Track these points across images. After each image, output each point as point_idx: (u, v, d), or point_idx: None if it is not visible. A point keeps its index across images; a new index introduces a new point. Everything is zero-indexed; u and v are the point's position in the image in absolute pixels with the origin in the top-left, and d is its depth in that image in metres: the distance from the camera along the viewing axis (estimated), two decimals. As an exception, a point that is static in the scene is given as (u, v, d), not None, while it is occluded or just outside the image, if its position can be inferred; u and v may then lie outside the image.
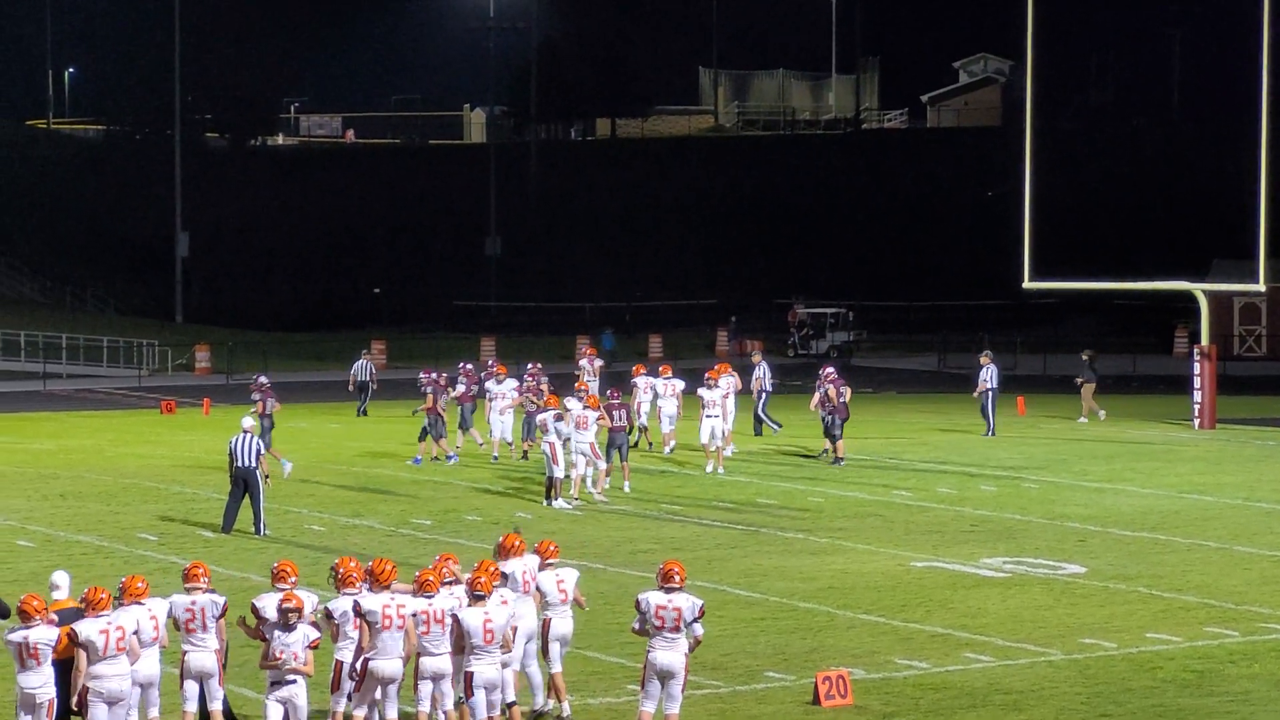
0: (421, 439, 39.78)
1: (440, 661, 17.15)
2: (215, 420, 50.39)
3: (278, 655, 16.68)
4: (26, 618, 16.25)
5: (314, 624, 17.21)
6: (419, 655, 17.18)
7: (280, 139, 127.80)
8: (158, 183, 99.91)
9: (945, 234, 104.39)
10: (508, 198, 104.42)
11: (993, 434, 44.83)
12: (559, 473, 33.17)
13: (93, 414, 54.69)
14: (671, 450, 40.79)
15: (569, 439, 33.68)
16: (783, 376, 60.92)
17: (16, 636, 16.24)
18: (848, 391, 39.60)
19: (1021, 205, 49.52)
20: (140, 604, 16.84)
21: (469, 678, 17.12)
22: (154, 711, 17.09)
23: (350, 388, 52.60)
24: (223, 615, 17.40)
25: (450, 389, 40.34)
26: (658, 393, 41.50)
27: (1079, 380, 49.32)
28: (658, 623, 17.20)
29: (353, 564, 17.56)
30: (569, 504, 33.11)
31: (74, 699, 16.46)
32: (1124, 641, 22.21)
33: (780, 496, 34.60)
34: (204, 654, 17.32)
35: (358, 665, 17.10)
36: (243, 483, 30.11)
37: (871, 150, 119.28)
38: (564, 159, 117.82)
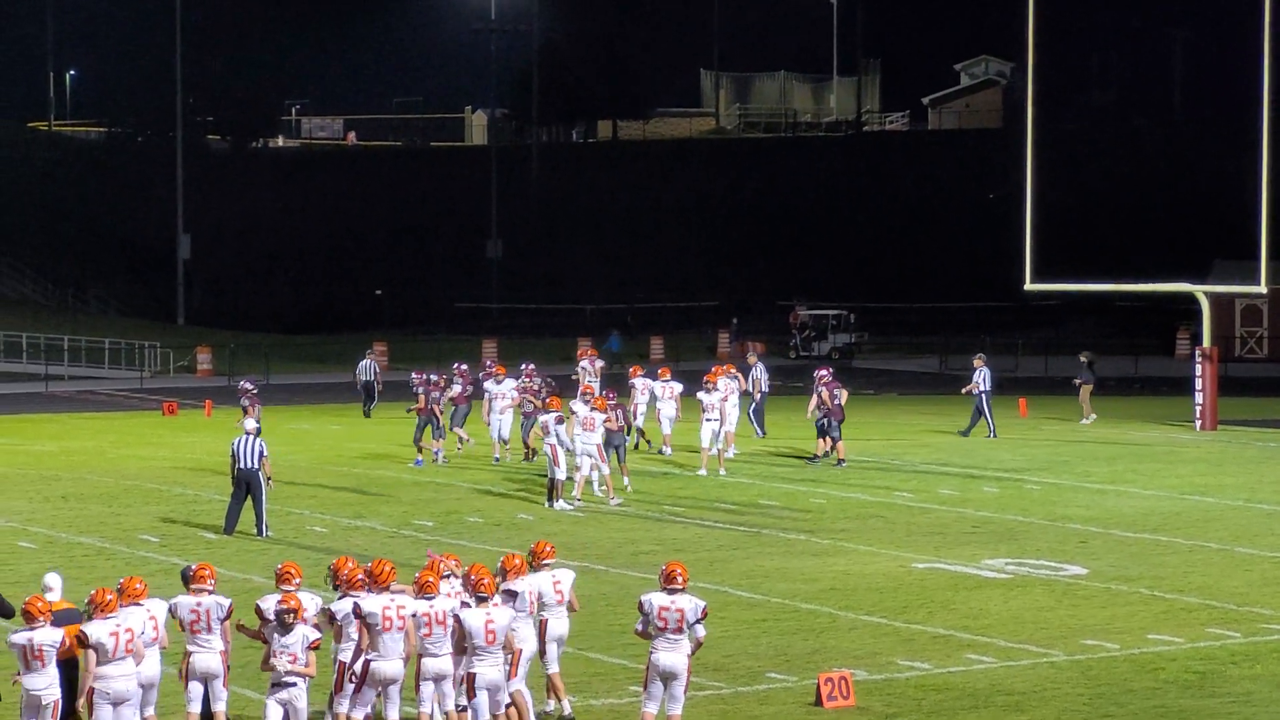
0: (417, 440, 39.79)
1: (442, 663, 17.17)
2: (217, 422, 50.38)
3: (275, 657, 16.72)
4: (31, 619, 16.27)
5: (315, 626, 17.24)
6: (420, 656, 17.19)
7: (281, 141, 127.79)
8: (159, 184, 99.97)
9: (946, 236, 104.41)
10: (509, 200, 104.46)
11: (965, 434, 44.86)
12: (561, 474, 33.17)
13: (94, 416, 54.70)
14: (670, 452, 40.77)
15: (575, 440, 33.68)
16: (784, 378, 61.03)
17: (21, 638, 16.25)
18: (843, 394, 39.57)
19: (1023, 207, 49.52)
20: (139, 605, 16.86)
21: (470, 679, 17.13)
22: (150, 711, 17.10)
23: (358, 388, 52.70)
24: (228, 617, 17.43)
25: (446, 390, 40.32)
26: (656, 395, 41.49)
27: (1077, 381, 49.33)
28: (660, 624, 17.22)
29: (351, 565, 17.60)
30: (570, 505, 33.11)
31: (80, 700, 16.47)
32: (1126, 643, 22.22)
33: (782, 498, 34.61)
34: (209, 655, 17.35)
35: (357, 667, 17.12)
36: (245, 484, 30.11)
37: (873, 152, 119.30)
38: (565, 161, 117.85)
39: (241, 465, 30.13)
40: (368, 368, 52.59)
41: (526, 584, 18.24)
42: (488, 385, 41.29)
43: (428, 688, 17.21)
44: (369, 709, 17.23)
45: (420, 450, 39.71)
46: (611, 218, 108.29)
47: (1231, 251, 61.89)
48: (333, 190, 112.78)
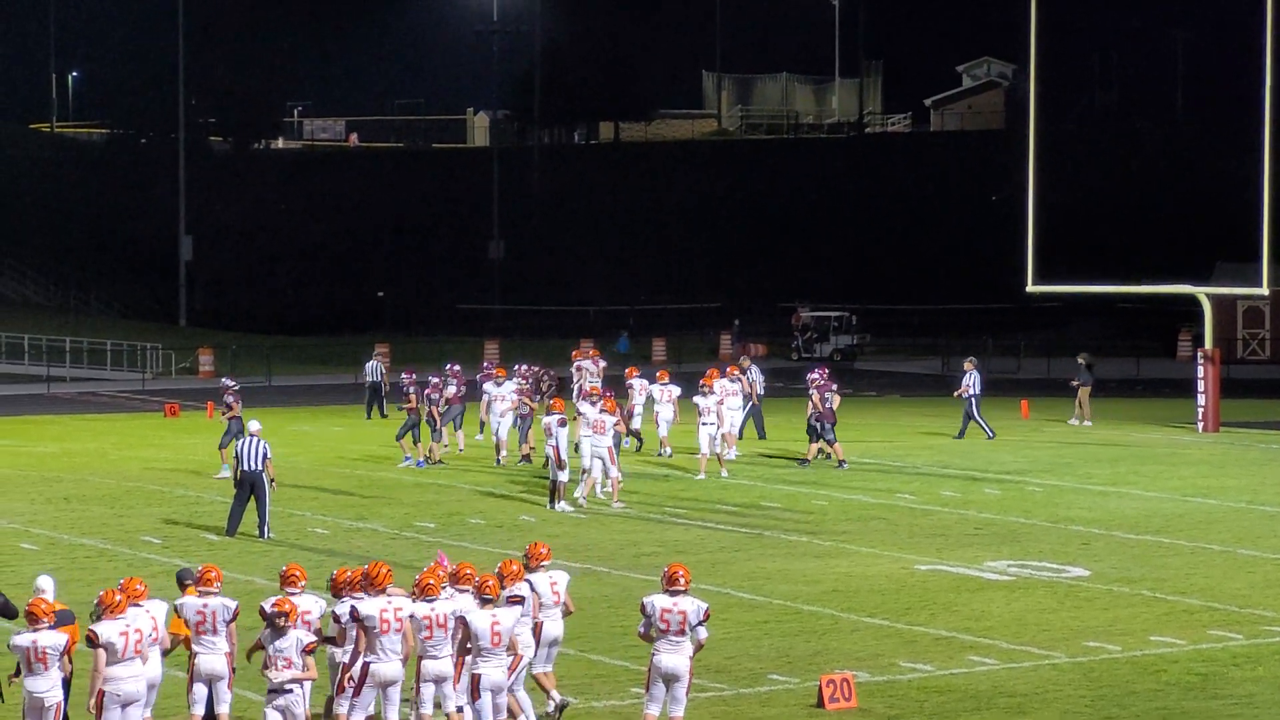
0: (415, 441, 39.82)
1: (442, 665, 17.17)
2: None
3: (270, 664, 16.74)
4: (34, 620, 16.26)
5: (318, 631, 17.26)
6: (421, 658, 17.20)
7: (284, 143, 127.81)
8: (161, 186, 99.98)
9: (949, 238, 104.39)
10: (511, 201, 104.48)
11: (960, 436, 44.81)
12: (563, 477, 33.16)
13: (96, 417, 54.71)
14: (669, 453, 40.75)
15: (586, 442, 33.68)
16: (786, 380, 61.03)
17: (24, 640, 16.23)
18: (836, 398, 39.47)
19: (1025, 209, 49.52)
20: (138, 605, 16.86)
21: (475, 680, 17.14)
22: (147, 712, 17.10)
23: (366, 390, 52.78)
24: (234, 619, 17.42)
25: (443, 392, 40.32)
26: (654, 397, 41.45)
27: (1075, 383, 49.32)
28: (663, 626, 17.22)
29: (350, 574, 17.64)
30: (572, 507, 33.11)
31: (91, 701, 16.45)
32: (1128, 644, 22.22)
33: (784, 500, 34.61)
34: (214, 657, 17.35)
35: (355, 670, 17.12)
36: (249, 486, 30.12)
37: (875, 154, 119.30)
38: (567, 163, 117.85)
39: (245, 467, 30.14)
40: (374, 369, 52.70)
41: (533, 583, 18.26)
42: (487, 387, 41.31)
43: (428, 689, 17.22)
44: (369, 711, 17.23)
45: (403, 448, 39.75)
46: (613, 219, 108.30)
47: (1233, 253, 61.93)
48: (335, 192, 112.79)
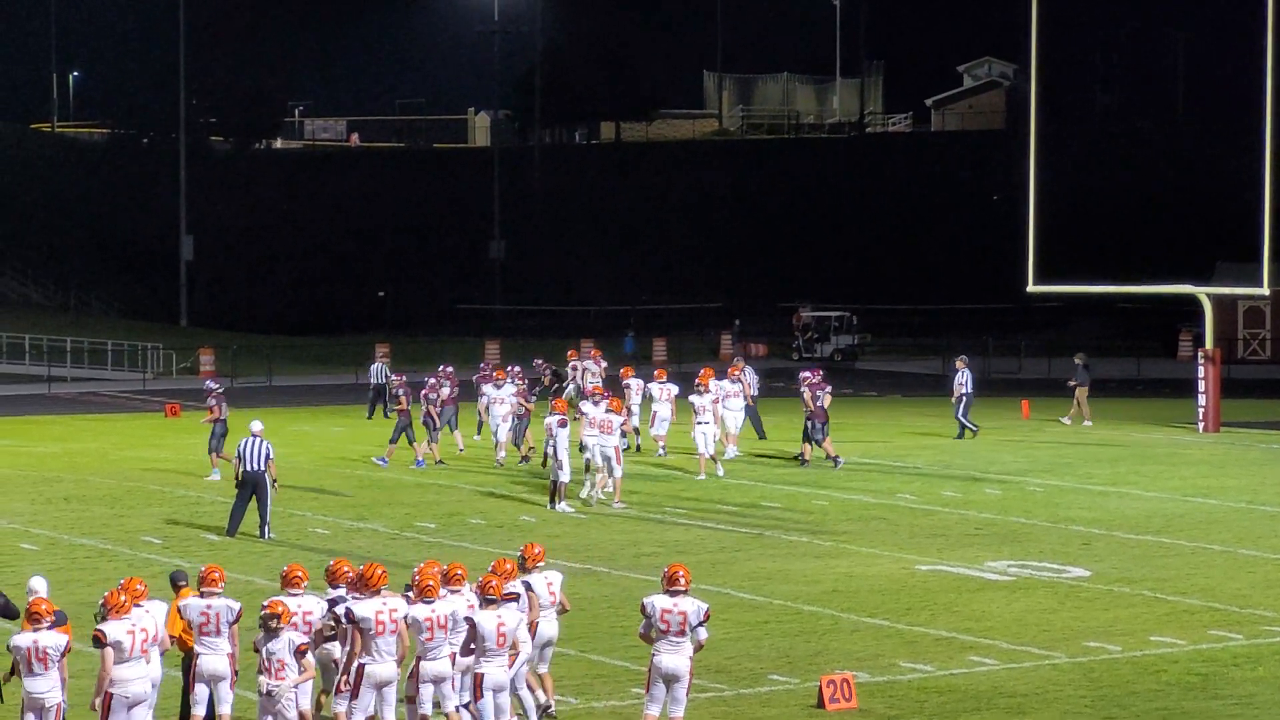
0: (412, 441, 39.84)
1: (441, 665, 17.18)
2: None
3: (263, 669, 16.76)
4: (36, 620, 16.26)
5: (319, 631, 17.25)
6: (419, 659, 17.20)
7: (284, 142, 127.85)
8: (162, 186, 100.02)
9: (949, 237, 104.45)
10: (512, 201, 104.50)
11: (960, 437, 44.72)
12: (565, 477, 33.17)
13: (97, 417, 54.71)
14: (664, 453, 40.74)
15: (591, 441, 33.68)
16: (786, 380, 61.01)
17: (24, 640, 16.22)
18: (827, 398, 39.41)
19: (1026, 209, 49.53)
20: (138, 605, 16.86)
21: (479, 679, 17.17)
22: (149, 714, 17.09)
23: (370, 391, 52.81)
24: (237, 620, 17.41)
25: (438, 391, 40.32)
26: (652, 396, 41.44)
27: (1072, 383, 49.31)
28: (663, 626, 17.23)
29: (346, 566, 17.64)
30: (572, 508, 33.12)
31: (96, 700, 16.44)
32: (1128, 645, 22.23)
33: (784, 500, 34.61)
34: (216, 657, 17.36)
35: (351, 671, 17.12)
36: (251, 486, 30.11)
37: (876, 154, 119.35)
38: (568, 163, 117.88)
39: (247, 467, 30.13)
40: (378, 370, 52.72)
41: (531, 585, 18.28)
42: (486, 389, 41.31)
43: (427, 690, 17.22)
44: (369, 712, 17.23)
45: (416, 451, 39.77)
46: (614, 219, 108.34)
47: (1234, 253, 61.91)
48: (336, 192, 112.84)
